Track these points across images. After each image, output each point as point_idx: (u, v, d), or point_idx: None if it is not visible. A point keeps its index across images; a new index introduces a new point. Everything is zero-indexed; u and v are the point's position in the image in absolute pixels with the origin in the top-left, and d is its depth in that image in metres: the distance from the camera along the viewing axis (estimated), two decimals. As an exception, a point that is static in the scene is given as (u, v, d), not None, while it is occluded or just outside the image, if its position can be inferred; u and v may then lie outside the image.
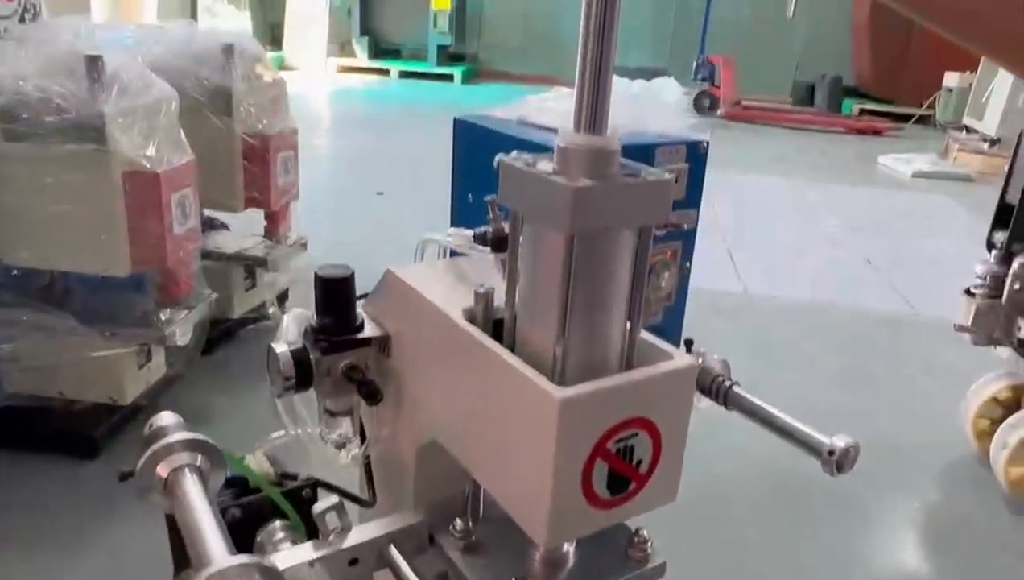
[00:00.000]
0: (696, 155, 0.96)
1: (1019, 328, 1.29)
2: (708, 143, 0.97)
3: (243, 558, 0.40)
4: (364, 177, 3.52)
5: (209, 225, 1.82)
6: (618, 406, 0.51)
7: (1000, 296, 1.30)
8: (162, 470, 0.49)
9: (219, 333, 1.71)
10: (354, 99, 6.19)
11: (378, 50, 7.53)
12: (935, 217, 3.57)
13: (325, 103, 5.93)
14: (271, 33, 7.43)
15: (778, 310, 2.28)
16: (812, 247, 2.93)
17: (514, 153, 0.56)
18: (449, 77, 7.23)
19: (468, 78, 7.44)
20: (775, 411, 0.72)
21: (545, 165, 0.52)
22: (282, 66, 7.12)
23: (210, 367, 1.61)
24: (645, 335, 0.57)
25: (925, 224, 3.42)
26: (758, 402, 0.74)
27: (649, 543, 0.63)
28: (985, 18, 0.40)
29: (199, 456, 0.50)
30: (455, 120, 1.05)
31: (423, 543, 0.65)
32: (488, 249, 0.63)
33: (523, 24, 7.94)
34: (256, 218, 1.82)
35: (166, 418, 0.53)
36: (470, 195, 1.05)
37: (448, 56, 7.45)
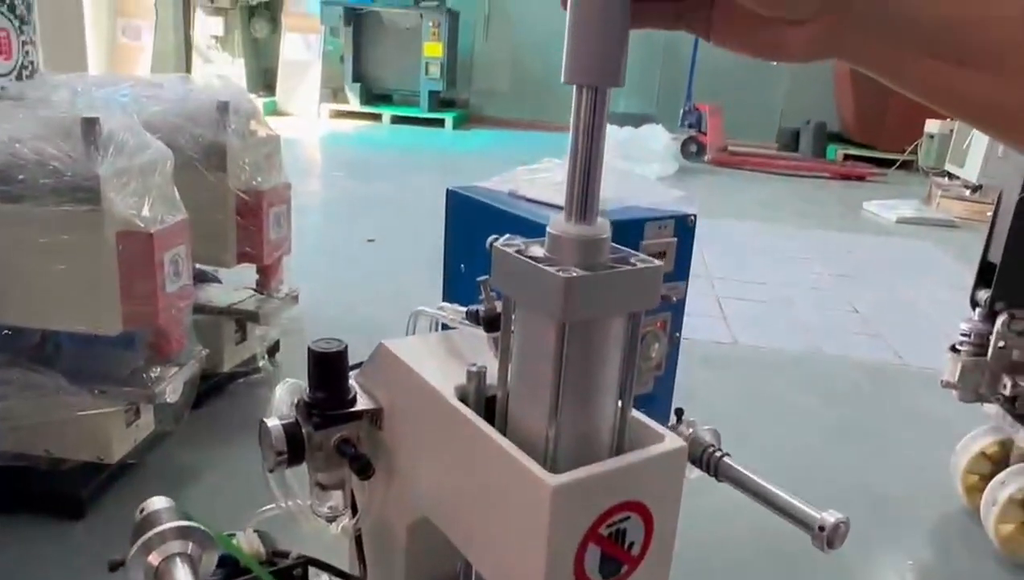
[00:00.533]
0: (684, 228, 0.98)
1: (1004, 386, 1.31)
2: (695, 216, 0.99)
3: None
4: (355, 223, 3.54)
5: (200, 278, 1.83)
6: (610, 491, 0.51)
7: (985, 353, 1.32)
8: (153, 559, 0.49)
9: (208, 387, 1.70)
10: (346, 144, 6.26)
11: (370, 96, 7.62)
12: (920, 264, 3.62)
13: (317, 148, 5.99)
14: (264, 79, 7.53)
15: (768, 361, 2.30)
16: (800, 295, 2.96)
17: (506, 236, 0.57)
18: (440, 122, 7.32)
19: (459, 123, 7.53)
20: (766, 484, 0.73)
21: (536, 250, 0.53)
22: (275, 111, 7.19)
23: (199, 422, 1.60)
24: (636, 415, 0.58)
25: (911, 271, 3.46)
26: (749, 474, 0.74)
27: (641, 622, 0.63)
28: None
29: (190, 543, 0.50)
30: (448, 191, 1.07)
31: (414, 622, 0.65)
32: (480, 328, 0.64)
33: (512, 71, 8.08)
34: (248, 268, 1.83)
35: (157, 503, 0.53)
36: (463, 265, 1.07)
37: (439, 102, 7.55)
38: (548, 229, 0.52)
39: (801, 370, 2.25)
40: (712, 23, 0.48)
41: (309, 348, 0.69)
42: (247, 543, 0.67)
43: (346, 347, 0.69)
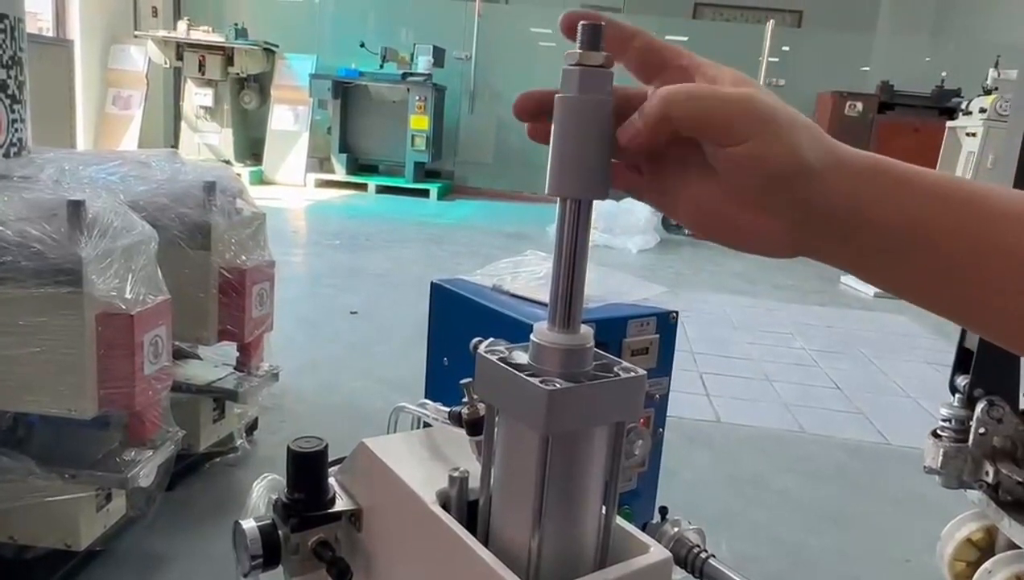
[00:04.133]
0: (666, 325, 0.99)
1: (987, 472, 1.31)
2: (677, 313, 1.00)
3: None
4: (338, 295, 3.54)
5: (179, 354, 1.80)
6: (593, 609, 0.50)
7: (966, 439, 1.32)
8: None
9: (183, 467, 1.66)
10: (331, 213, 6.30)
11: (356, 166, 7.73)
12: (899, 339, 3.66)
13: (303, 218, 6.03)
14: (252, 149, 7.62)
15: (751, 440, 2.29)
16: (782, 371, 2.97)
17: (490, 340, 0.58)
18: (425, 193, 7.41)
19: (444, 194, 7.63)
20: (751, 587, 0.72)
21: (520, 356, 0.54)
22: (262, 180, 7.26)
23: (171, 505, 1.55)
24: (621, 524, 0.57)
25: (890, 347, 3.49)
26: (733, 576, 0.73)
27: None
28: None
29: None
30: (432, 284, 1.08)
31: None
32: (463, 430, 0.64)
33: (496, 143, 8.25)
34: (228, 342, 1.81)
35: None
36: (445, 359, 1.07)
37: (424, 172, 7.66)
38: (532, 337, 0.53)
39: (784, 450, 2.24)
40: (679, 206, 0.50)
41: (288, 447, 0.68)
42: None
43: (326, 446, 0.68)
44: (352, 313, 3.21)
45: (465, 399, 0.63)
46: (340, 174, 7.48)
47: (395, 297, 3.59)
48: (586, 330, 0.53)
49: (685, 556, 0.75)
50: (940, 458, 1.34)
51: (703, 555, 0.74)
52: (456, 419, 0.64)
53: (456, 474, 0.59)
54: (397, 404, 0.74)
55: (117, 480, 1.28)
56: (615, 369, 0.52)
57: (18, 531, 1.30)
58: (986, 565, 1.36)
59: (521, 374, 0.50)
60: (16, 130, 1.69)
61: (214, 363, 1.84)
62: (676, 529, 0.77)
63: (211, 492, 1.68)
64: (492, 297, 0.98)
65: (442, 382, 1.06)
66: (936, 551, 1.52)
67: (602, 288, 0.98)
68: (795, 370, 3.01)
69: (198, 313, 1.61)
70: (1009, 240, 0.42)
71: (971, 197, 0.44)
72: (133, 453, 1.31)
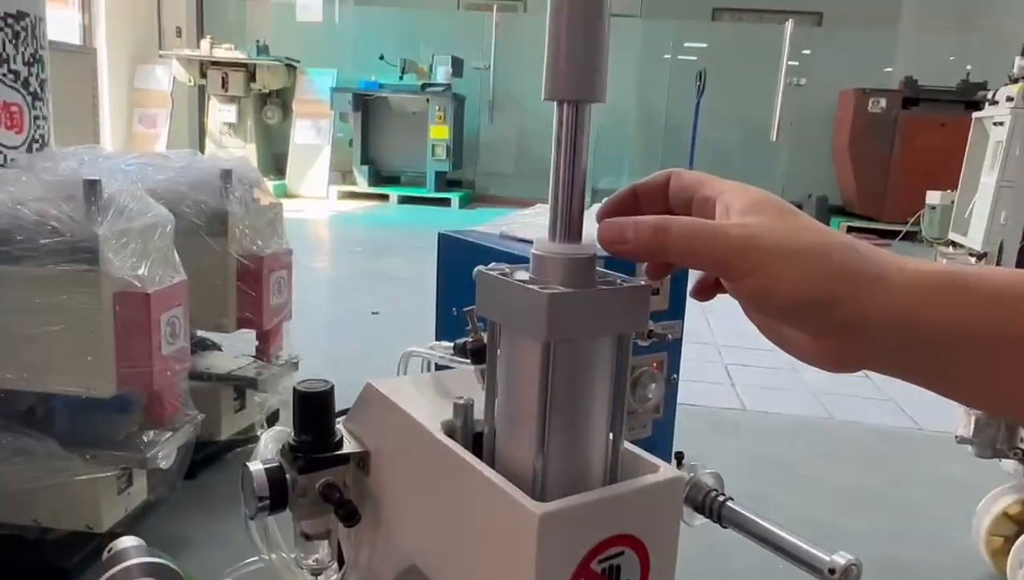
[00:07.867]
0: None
1: (1021, 439, 1.26)
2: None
3: None
4: (360, 298, 3.55)
5: (200, 345, 1.82)
6: (602, 522, 0.48)
7: (999, 407, 1.28)
8: (117, 597, 0.46)
9: (204, 456, 1.67)
10: (354, 224, 6.35)
11: (378, 177, 7.78)
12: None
13: (326, 229, 6.08)
14: (275, 163, 7.71)
15: (778, 427, 2.24)
16: (809, 362, 2.92)
17: (492, 264, 0.57)
18: (447, 202, 7.44)
19: (465, 203, 7.66)
20: (772, 527, 0.69)
21: (522, 275, 0.52)
22: (285, 194, 7.34)
23: (193, 492, 1.56)
24: (630, 447, 0.55)
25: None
26: (753, 517, 0.70)
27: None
28: None
29: (158, 582, 0.47)
30: (439, 234, 1.08)
31: (400, 678, 0.61)
32: (468, 361, 0.62)
33: (517, 151, 8.27)
34: (250, 337, 1.82)
35: (126, 542, 0.50)
36: (454, 309, 1.06)
37: (446, 182, 7.69)
38: (532, 250, 0.52)
39: (812, 436, 2.19)
40: (748, 311, 0.50)
41: (294, 388, 0.67)
42: (224, 593, 0.63)
43: (332, 387, 0.67)
44: (374, 313, 3.22)
45: (469, 328, 0.62)
46: (362, 186, 7.54)
47: (415, 298, 3.58)
48: (589, 241, 0.51)
49: (702, 501, 0.73)
50: (972, 426, 1.30)
51: (720, 498, 0.72)
52: (460, 350, 0.63)
53: (461, 402, 0.58)
54: (406, 349, 0.73)
55: (137, 460, 1.28)
56: (619, 281, 0.51)
57: (41, 513, 1.31)
58: (1024, 538, 1.31)
59: (521, 283, 0.49)
60: (38, 127, 1.72)
61: (234, 355, 1.85)
62: (692, 474, 0.74)
63: (232, 480, 1.67)
64: (499, 242, 0.97)
65: (452, 331, 1.04)
66: (971, 527, 1.47)
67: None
68: (823, 361, 2.95)
69: (217, 300, 1.62)
70: None
71: None
72: (152, 434, 1.31)
